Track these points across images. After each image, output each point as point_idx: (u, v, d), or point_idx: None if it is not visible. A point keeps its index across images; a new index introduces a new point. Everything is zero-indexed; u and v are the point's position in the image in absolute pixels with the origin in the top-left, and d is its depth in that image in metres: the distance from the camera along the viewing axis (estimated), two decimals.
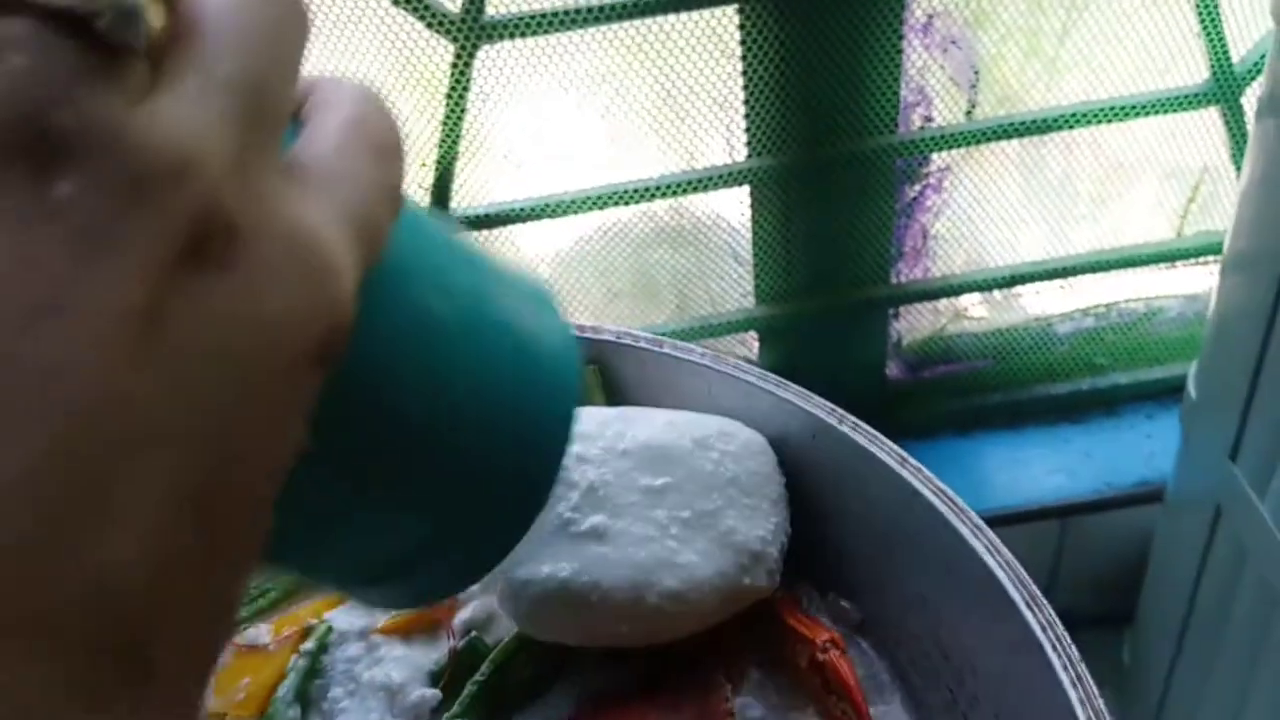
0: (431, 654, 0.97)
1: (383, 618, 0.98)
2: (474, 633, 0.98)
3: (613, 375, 1.07)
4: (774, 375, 0.98)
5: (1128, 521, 1.87)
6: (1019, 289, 1.89)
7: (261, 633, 1.00)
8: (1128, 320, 1.94)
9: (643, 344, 1.05)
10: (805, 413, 0.97)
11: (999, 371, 1.95)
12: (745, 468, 0.96)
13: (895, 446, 0.92)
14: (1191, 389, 1.56)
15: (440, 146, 1.54)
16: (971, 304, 1.92)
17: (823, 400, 0.97)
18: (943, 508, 0.87)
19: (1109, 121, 1.68)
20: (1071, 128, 1.68)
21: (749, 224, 1.71)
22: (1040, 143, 1.74)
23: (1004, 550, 0.84)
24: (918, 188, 1.74)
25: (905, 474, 0.90)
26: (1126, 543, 1.90)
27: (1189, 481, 1.63)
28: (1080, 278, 1.86)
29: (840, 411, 0.96)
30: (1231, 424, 1.39)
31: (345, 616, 0.98)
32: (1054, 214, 1.91)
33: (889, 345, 1.91)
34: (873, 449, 0.93)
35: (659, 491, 0.93)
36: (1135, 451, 1.90)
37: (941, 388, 1.97)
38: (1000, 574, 0.82)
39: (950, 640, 0.87)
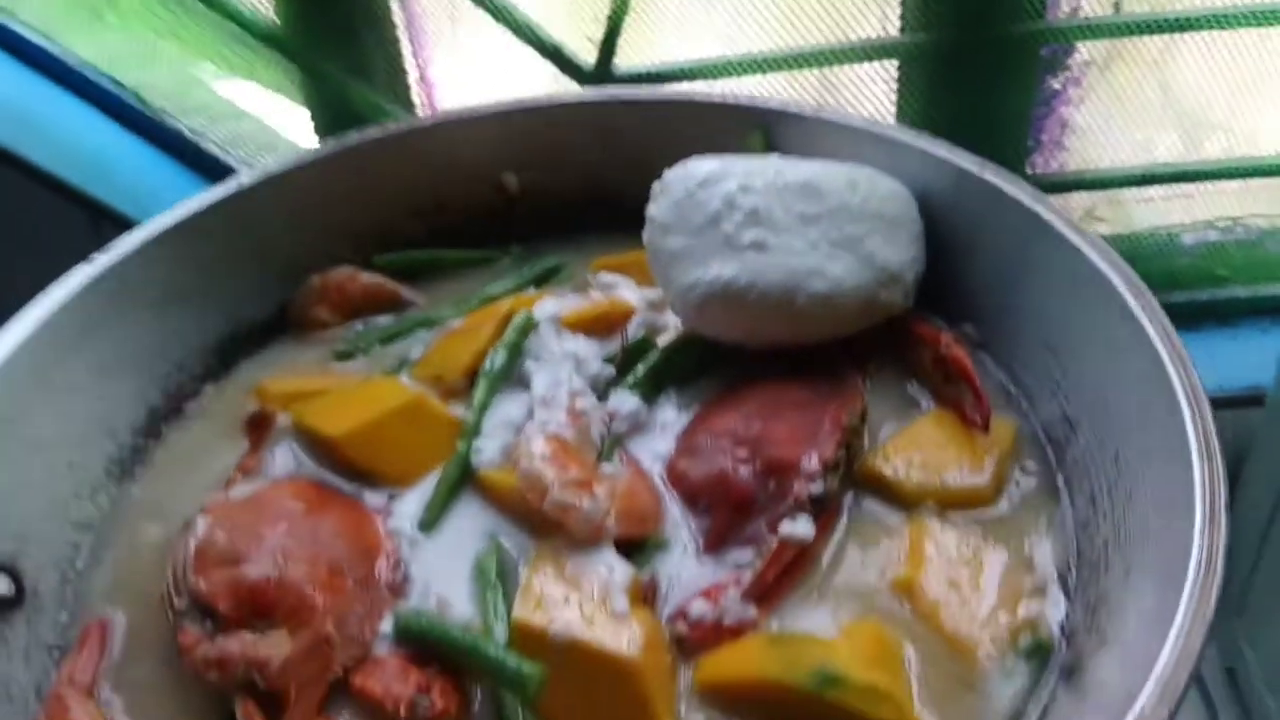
0: (607, 347, 1.14)
1: (570, 310, 1.16)
2: (643, 332, 1.15)
3: (775, 138, 1.23)
4: (923, 132, 1.13)
5: (1232, 422, 1.93)
6: (1150, 193, 1.97)
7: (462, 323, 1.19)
8: (1252, 236, 2.00)
9: (804, 111, 1.21)
10: (949, 164, 1.12)
11: None
12: (889, 207, 1.11)
13: (1030, 186, 1.06)
14: None
15: (613, 2, 1.70)
16: (1100, 204, 2.01)
17: (966, 152, 1.11)
18: (1070, 233, 1.00)
19: (1250, 26, 1.76)
20: (1213, 29, 1.76)
21: (894, 104, 1.84)
22: (1180, 45, 1.83)
23: (1122, 264, 0.96)
24: (1060, 79, 1.84)
25: (1039, 208, 1.04)
26: (1227, 443, 1.96)
27: None
28: (1209, 187, 1.93)
29: (983, 160, 1.10)
30: None
31: (539, 308, 1.15)
32: (1189, 119, 1.99)
33: None
34: (1012, 190, 1.06)
35: (812, 217, 1.08)
36: (1247, 360, 1.96)
37: None
38: (1115, 278, 0.95)
39: (1059, 340, 1.01)
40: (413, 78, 1.69)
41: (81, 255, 1.10)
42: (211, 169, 1.73)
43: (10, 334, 1.03)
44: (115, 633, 0.94)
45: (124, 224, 1.50)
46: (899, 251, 1.09)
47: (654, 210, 1.11)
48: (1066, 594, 0.88)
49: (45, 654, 0.92)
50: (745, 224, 1.07)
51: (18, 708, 0.86)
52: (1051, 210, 1.03)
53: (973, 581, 0.88)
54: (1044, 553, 0.91)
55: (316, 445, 1.07)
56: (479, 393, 1.08)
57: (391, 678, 0.83)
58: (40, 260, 1.12)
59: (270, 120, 1.77)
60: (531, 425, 1.01)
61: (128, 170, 1.75)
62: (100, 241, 1.11)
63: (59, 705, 0.86)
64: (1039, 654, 0.83)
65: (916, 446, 0.98)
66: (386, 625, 0.89)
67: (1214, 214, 2.04)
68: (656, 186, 1.12)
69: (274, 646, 0.82)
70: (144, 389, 1.14)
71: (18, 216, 1.69)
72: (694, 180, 1.10)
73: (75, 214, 1.69)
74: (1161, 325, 0.89)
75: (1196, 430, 0.80)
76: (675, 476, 1.01)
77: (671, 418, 1.08)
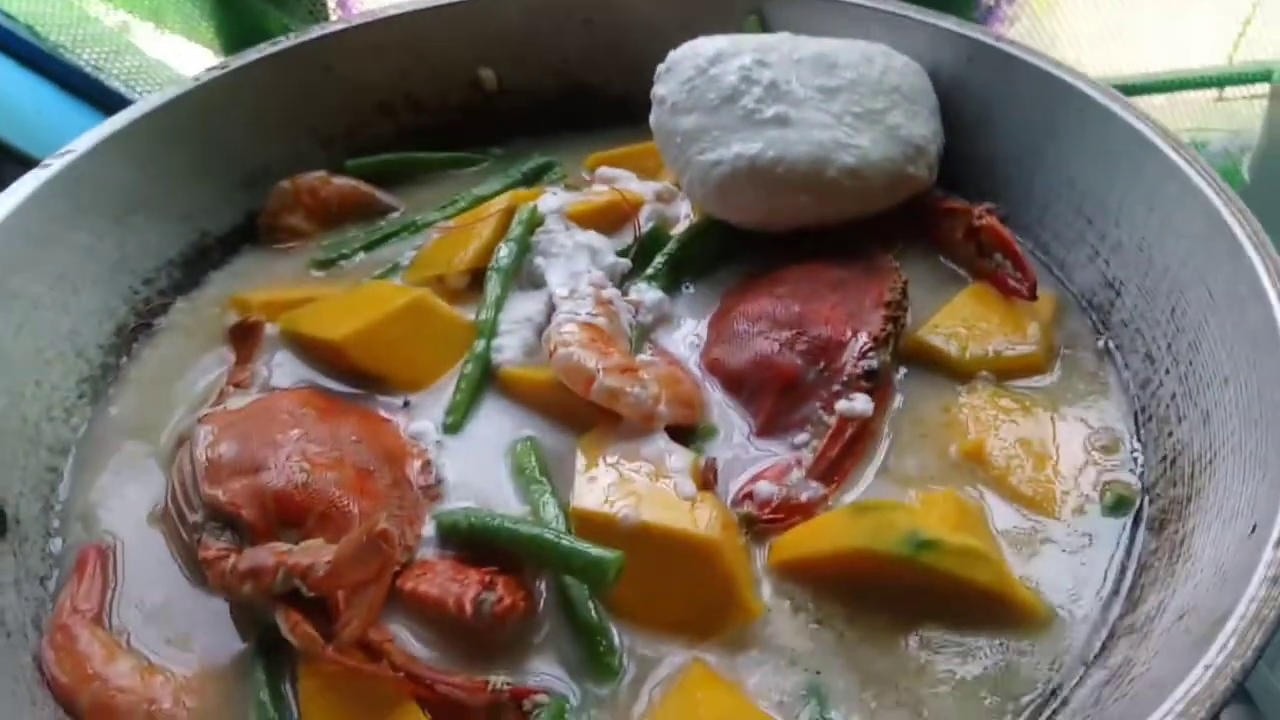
0: (619, 242, 1.08)
1: (576, 204, 1.09)
2: (653, 223, 1.08)
3: (770, 23, 1.17)
4: (929, 8, 1.09)
5: None
6: None
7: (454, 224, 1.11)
8: None
9: None
10: (960, 36, 1.08)
11: None
12: (906, 80, 1.07)
13: (1048, 56, 1.03)
14: None
15: None
16: None
17: (976, 25, 1.07)
18: (1099, 95, 0.98)
19: None
20: None
21: None
22: None
23: (1157, 121, 0.94)
24: None
25: (1060, 73, 1.01)
26: None
27: None
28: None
29: (995, 32, 1.06)
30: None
31: (542, 202, 1.08)
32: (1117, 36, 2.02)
33: None
34: (1030, 59, 1.03)
35: (833, 90, 1.03)
36: None
37: None
38: (1152, 135, 0.93)
39: (1094, 207, 0.98)
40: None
41: None
42: (119, 107, 1.60)
43: None
44: (113, 558, 0.84)
45: (28, 164, 1.36)
46: (921, 125, 1.05)
47: (662, 90, 1.05)
48: (1138, 450, 0.86)
49: (37, 584, 0.82)
50: (765, 98, 1.01)
51: (15, 640, 0.76)
52: (1075, 74, 1.00)
53: (1040, 444, 0.86)
54: (1108, 413, 0.89)
55: (315, 352, 0.98)
56: (492, 289, 1.01)
57: (447, 579, 0.76)
58: None
59: (171, 60, 1.64)
60: (561, 315, 0.94)
61: (27, 108, 1.60)
62: (4, 183, 0.98)
63: (65, 635, 0.77)
64: (1121, 508, 0.81)
65: (961, 319, 0.95)
66: (428, 530, 0.82)
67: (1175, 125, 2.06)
68: (661, 67, 1.06)
69: (314, 553, 0.73)
70: (110, 304, 1.03)
71: None
72: (704, 57, 1.04)
73: None
74: (1209, 175, 0.88)
75: (1268, 269, 0.78)
76: (712, 365, 0.95)
77: (695, 308, 1.03)
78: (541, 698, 0.71)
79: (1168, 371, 0.87)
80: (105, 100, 1.59)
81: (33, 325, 0.94)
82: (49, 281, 0.97)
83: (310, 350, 0.98)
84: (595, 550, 0.73)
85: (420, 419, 0.92)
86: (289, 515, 0.79)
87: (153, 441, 0.93)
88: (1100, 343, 0.95)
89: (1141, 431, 0.87)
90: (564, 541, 0.75)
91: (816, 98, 1.03)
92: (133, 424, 0.95)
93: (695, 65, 1.03)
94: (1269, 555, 0.61)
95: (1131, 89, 1.94)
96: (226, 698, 0.74)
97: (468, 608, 0.73)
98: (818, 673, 0.72)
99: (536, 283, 1.03)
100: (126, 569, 0.83)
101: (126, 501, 0.88)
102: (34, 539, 0.85)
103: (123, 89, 1.59)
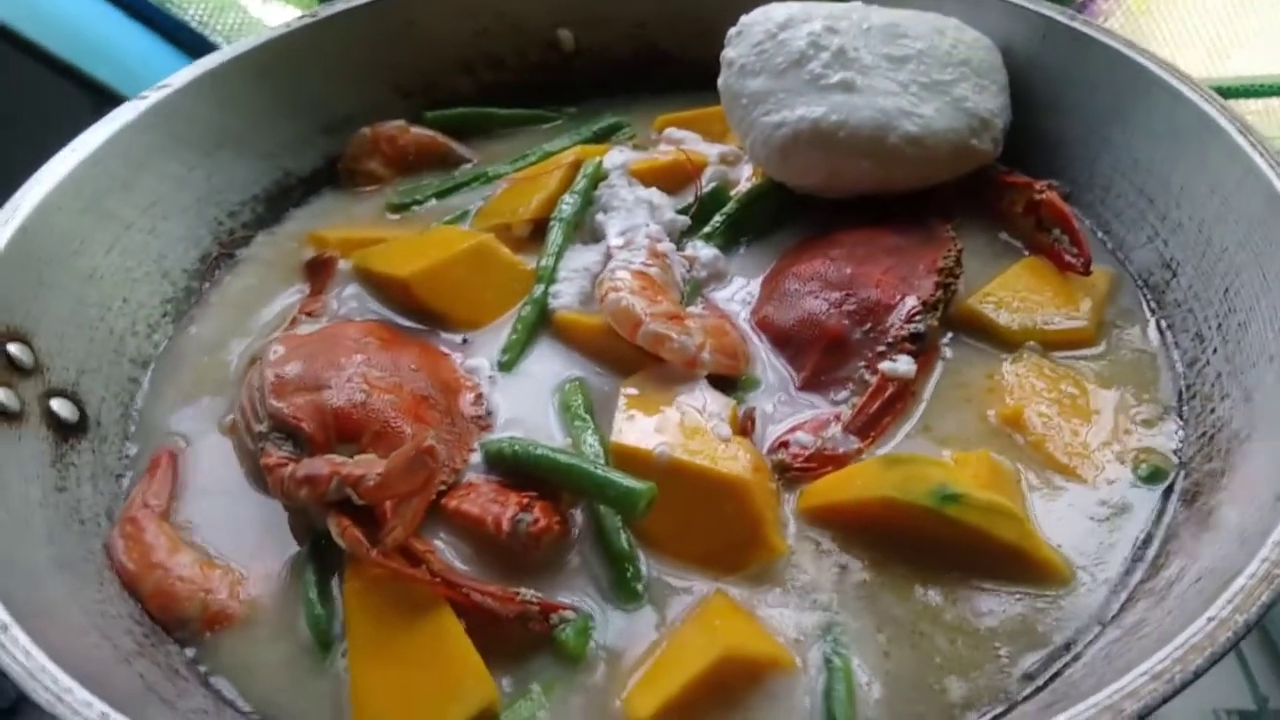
0: (680, 201, 1.10)
1: (640, 161, 1.12)
2: (715, 184, 1.11)
3: None
4: None
5: None
6: None
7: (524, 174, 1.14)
8: None
9: None
10: (1034, 14, 1.08)
11: None
12: (976, 54, 1.07)
13: (1120, 36, 1.03)
14: None
15: None
16: None
17: (1051, 3, 1.07)
18: (1170, 78, 0.97)
19: None
20: None
21: None
22: None
23: (1226, 105, 0.93)
24: None
25: (1132, 54, 1.00)
26: None
27: None
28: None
29: (1070, 10, 1.06)
30: None
31: (608, 158, 1.11)
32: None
33: None
34: (1102, 38, 1.03)
35: (900, 59, 1.04)
36: None
37: None
38: (1221, 119, 0.92)
39: (1157, 187, 0.98)
40: None
41: None
42: None
43: (61, 163, 0.98)
44: (184, 462, 0.89)
45: None
46: (988, 99, 1.06)
47: (732, 53, 1.07)
48: (1178, 426, 0.86)
49: (112, 481, 0.88)
50: (832, 64, 1.03)
51: (89, 528, 0.82)
52: (1148, 56, 1.00)
53: (1081, 415, 0.86)
54: (1152, 389, 0.89)
55: (383, 288, 1.03)
56: (554, 237, 1.04)
57: (488, 499, 0.80)
58: (47, 140, 1.06)
59: (270, 20, 1.71)
60: (615, 262, 0.97)
61: (133, 55, 1.68)
62: None
63: (134, 526, 0.83)
64: (1156, 479, 0.82)
65: (1014, 290, 0.96)
66: (475, 457, 0.86)
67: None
68: (732, 31, 1.08)
69: (367, 466, 0.78)
70: (197, 233, 1.09)
71: (24, 97, 1.62)
72: (775, 22, 1.06)
73: (80, 97, 1.62)
74: (1273, 160, 0.87)
75: None
76: (762, 321, 0.98)
77: (750, 267, 1.05)
78: (568, 613, 0.74)
79: (1215, 351, 0.87)
80: (206, 54, 1.66)
81: (123, 245, 1.00)
82: (141, 206, 1.03)
83: (379, 286, 1.03)
84: (628, 481, 0.76)
85: (477, 356, 0.96)
86: (346, 431, 0.83)
87: (227, 360, 0.99)
88: (1152, 321, 0.95)
89: (1184, 409, 0.87)
90: (599, 471, 0.79)
91: (884, 66, 1.04)
92: (210, 343, 1.01)
93: (765, 29, 1.05)
94: None
95: (1226, 91, 1.90)
96: (278, 594, 0.79)
97: (505, 526, 0.77)
98: (835, 613, 0.74)
99: (597, 237, 1.06)
100: (195, 473, 0.89)
101: (199, 412, 0.94)
102: (112, 440, 0.91)
103: (223, 44, 1.67)
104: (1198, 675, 0.55)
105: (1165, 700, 0.54)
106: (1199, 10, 2.06)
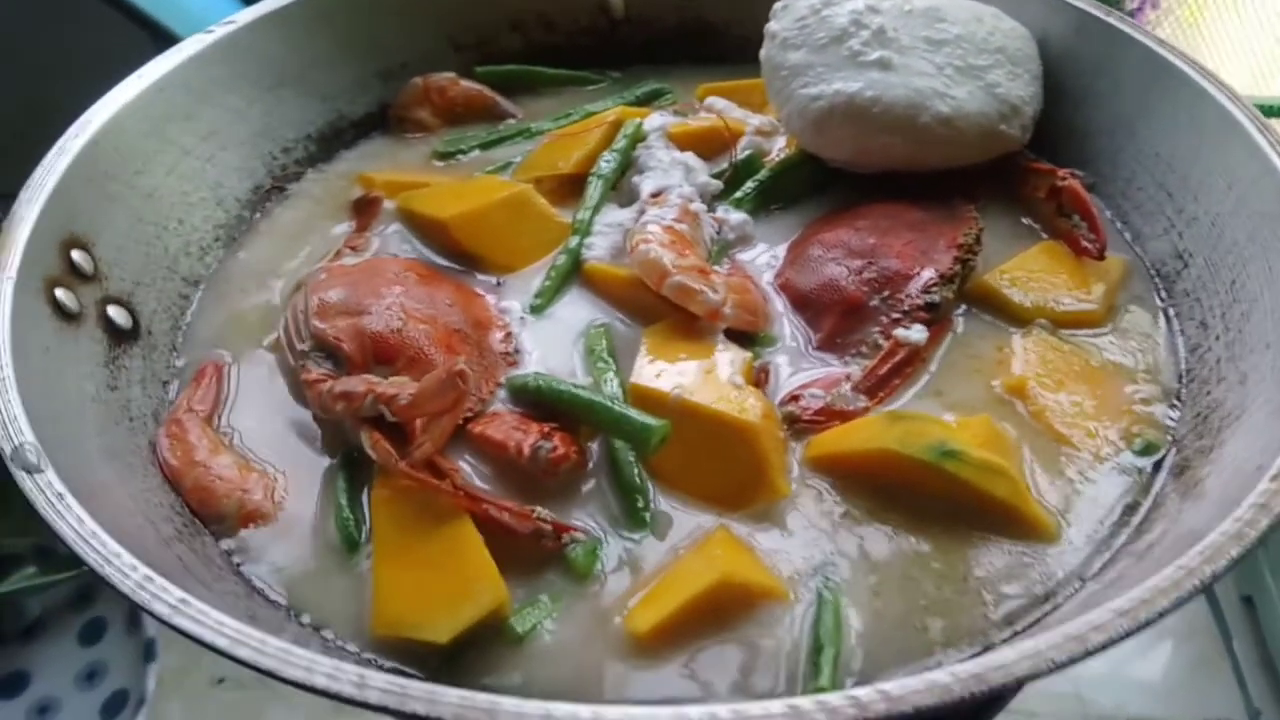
0: (715, 167, 1.14)
1: (678, 125, 1.16)
2: (750, 152, 1.15)
3: None
4: None
5: None
6: None
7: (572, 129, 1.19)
8: None
9: None
10: (1072, 7, 1.11)
11: None
12: (1012, 43, 1.11)
13: (1154, 34, 1.06)
14: None
15: None
16: None
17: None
18: (1196, 75, 1.00)
19: None
20: None
21: None
22: None
23: (1248, 104, 0.96)
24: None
25: (1163, 52, 1.03)
26: None
27: None
28: None
29: (1106, 6, 1.09)
30: None
31: (648, 121, 1.15)
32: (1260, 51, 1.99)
33: None
34: (1134, 33, 1.06)
35: (938, 42, 1.08)
36: None
37: None
38: (1242, 117, 0.95)
39: (1176, 182, 1.01)
40: None
41: None
42: None
43: (130, 87, 1.03)
44: (229, 373, 0.95)
45: None
46: (1021, 87, 1.09)
47: (775, 26, 1.11)
48: (1176, 406, 0.89)
49: (160, 387, 0.94)
50: (871, 42, 1.06)
51: (137, 425, 0.88)
52: (1176, 54, 1.03)
53: (1083, 390, 0.90)
54: (1154, 371, 0.92)
55: (424, 229, 1.07)
56: (591, 192, 1.08)
57: (511, 427, 0.85)
58: (108, 82, 1.11)
59: None
60: (646, 217, 1.01)
61: (196, 7, 1.73)
62: None
63: (179, 428, 0.88)
64: (1149, 452, 0.85)
65: (1029, 271, 0.99)
66: (501, 392, 0.91)
67: None
68: (778, 5, 1.11)
69: (400, 386, 0.83)
70: (251, 164, 1.14)
71: (87, 38, 1.68)
72: None
73: (143, 39, 1.67)
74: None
75: None
76: (784, 284, 1.02)
77: (777, 233, 1.09)
78: (579, 535, 0.79)
79: (1217, 338, 0.90)
80: None
81: (181, 170, 1.06)
82: (200, 135, 1.08)
83: (420, 227, 1.08)
84: (642, 418, 0.81)
85: (509, 298, 1.01)
86: (382, 354, 0.88)
87: (274, 284, 1.04)
88: (1160, 308, 0.98)
89: (1183, 391, 0.90)
90: (616, 407, 0.83)
91: (921, 47, 1.07)
92: (259, 269, 1.07)
93: (810, 5, 1.09)
94: (1264, 485, 0.65)
95: (1270, 110, 1.90)
96: (310, 500, 0.84)
97: (526, 451, 0.82)
98: (830, 555, 0.78)
99: (633, 198, 1.10)
100: (239, 385, 0.94)
101: (246, 330, 0.99)
102: (161, 349, 0.96)
103: None
104: (1162, 615, 0.59)
105: (1128, 634, 0.57)
106: (1249, 28, 2.08)
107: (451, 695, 0.56)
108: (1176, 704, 2.28)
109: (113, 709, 1.72)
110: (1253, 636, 2.17)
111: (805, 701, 0.55)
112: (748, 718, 0.54)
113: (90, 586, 1.77)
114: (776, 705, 0.55)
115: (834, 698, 0.55)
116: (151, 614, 0.61)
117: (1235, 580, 2.23)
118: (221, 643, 0.60)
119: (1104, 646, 0.57)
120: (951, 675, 0.55)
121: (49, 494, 0.68)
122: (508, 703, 0.55)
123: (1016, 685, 0.56)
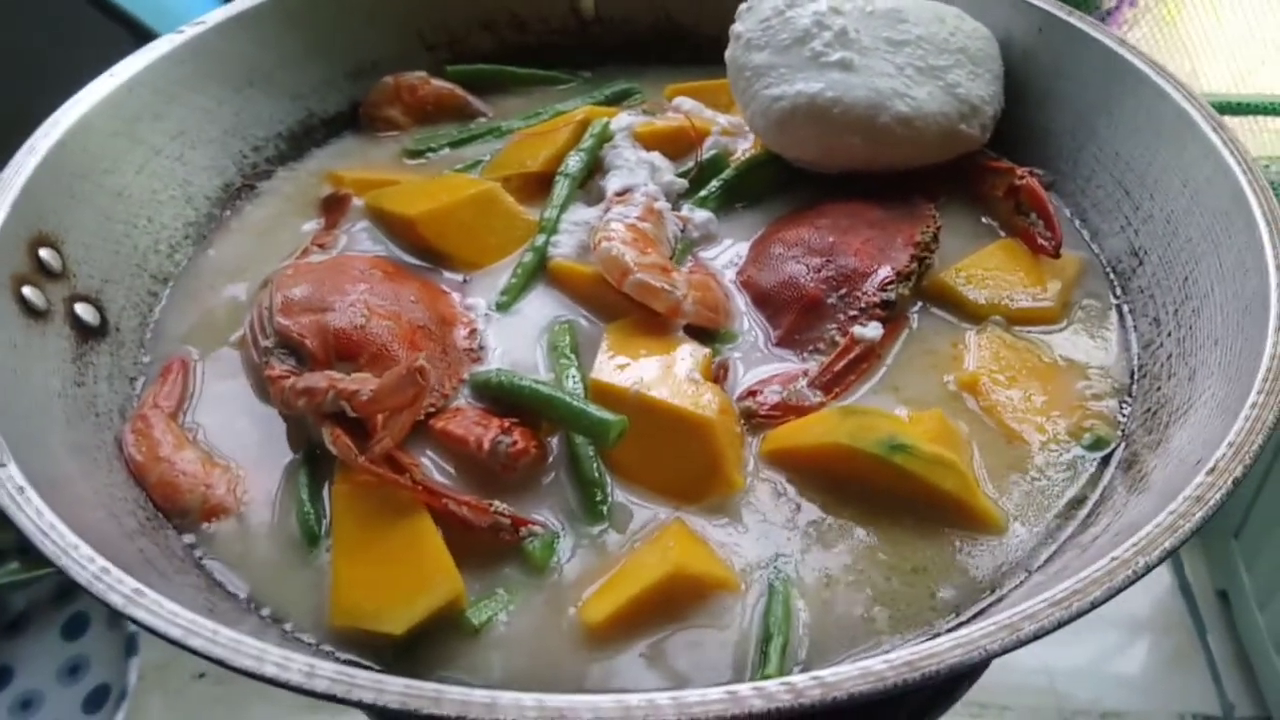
0: (681, 166, 1.15)
1: (645, 125, 1.17)
2: (715, 152, 1.16)
3: None
4: None
5: None
6: None
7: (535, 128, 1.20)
8: None
9: None
10: (1034, 8, 1.13)
11: None
12: (974, 44, 1.12)
13: (1116, 33, 1.07)
14: None
15: None
16: None
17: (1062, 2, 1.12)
18: (1154, 75, 1.02)
19: None
20: None
21: None
22: None
23: (1204, 104, 0.98)
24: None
25: (1123, 52, 1.05)
26: None
27: None
28: (1254, 123, 1.94)
29: (1068, 7, 1.11)
30: None
31: (615, 120, 1.17)
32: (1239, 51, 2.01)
33: None
34: (1094, 33, 1.08)
35: (899, 43, 1.09)
36: None
37: None
38: (1197, 117, 0.97)
39: (1134, 180, 1.03)
40: None
41: None
42: None
43: (100, 87, 1.04)
44: (195, 370, 0.96)
45: None
46: (981, 87, 1.10)
47: (740, 27, 1.12)
48: (1126, 401, 0.91)
49: (127, 383, 0.95)
50: (833, 43, 1.07)
51: (103, 422, 0.89)
52: (1136, 54, 1.04)
53: (1036, 386, 0.91)
54: (1106, 367, 0.94)
55: (392, 226, 1.08)
56: (558, 191, 1.10)
57: (472, 422, 0.86)
58: (84, 75, 1.12)
59: None
60: (610, 215, 1.03)
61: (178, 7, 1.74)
62: None
63: (144, 423, 0.89)
64: (1098, 447, 0.87)
65: (986, 268, 1.01)
66: (465, 388, 0.92)
67: (1259, 152, 2.05)
68: (743, 6, 1.13)
69: (361, 382, 0.84)
70: (221, 163, 1.15)
71: (65, 35, 1.69)
72: (784, 0, 1.11)
73: (123, 37, 1.68)
74: (1242, 158, 0.92)
75: (1273, 245, 0.83)
76: (746, 281, 1.03)
77: (741, 232, 1.10)
78: (536, 528, 0.80)
79: (1169, 334, 0.92)
80: None
81: (151, 169, 1.07)
82: (170, 134, 1.09)
83: (388, 224, 1.09)
84: (600, 413, 0.82)
85: (475, 295, 1.02)
86: (345, 351, 0.89)
87: (242, 281, 1.05)
88: (1114, 305, 1.00)
89: (1135, 387, 0.92)
90: (575, 402, 0.85)
91: (883, 48, 1.09)
92: (227, 266, 1.08)
93: (774, 6, 1.10)
94: (1199, 479, 0.67)
95: (1246, 107, 1.92)
96: (272, 495, 0.85)
97: (486, 445, 0.83)
98: (783, 547, 0.80)
99: (601, 197, 1.11)
100: (204, 381, 0.95)
101: (213, 327, 1.00)
102: (129, 346, 0.97)
103: None
104: (1094, 606, 0.60)
105: (1060, 625, 0.59)
106: (1226, 26, 2.09)
107: (397, 684, 0.57)
108: (1152, 698, 2.30)
109: (94, 703, 1.74)
110: (1227, 631, 2.20)
111: (743, 688, 0.56)
112: (686, 704, 0.56)
113: (73, 582, 1.78)
114: (715, 692, 0.56)
115: (770, 684, 0.56)
116: (107, 604, 0.63)
117: (1210, 575, 2.26)
118: (175, 633, 0.61)
119: (1036, 636, 0.59)
120: (885, 663, 0.57)
121: (9, 487, 0.69)
122: (453, 691, 0.56)
123: (950, 673, 0.58)
